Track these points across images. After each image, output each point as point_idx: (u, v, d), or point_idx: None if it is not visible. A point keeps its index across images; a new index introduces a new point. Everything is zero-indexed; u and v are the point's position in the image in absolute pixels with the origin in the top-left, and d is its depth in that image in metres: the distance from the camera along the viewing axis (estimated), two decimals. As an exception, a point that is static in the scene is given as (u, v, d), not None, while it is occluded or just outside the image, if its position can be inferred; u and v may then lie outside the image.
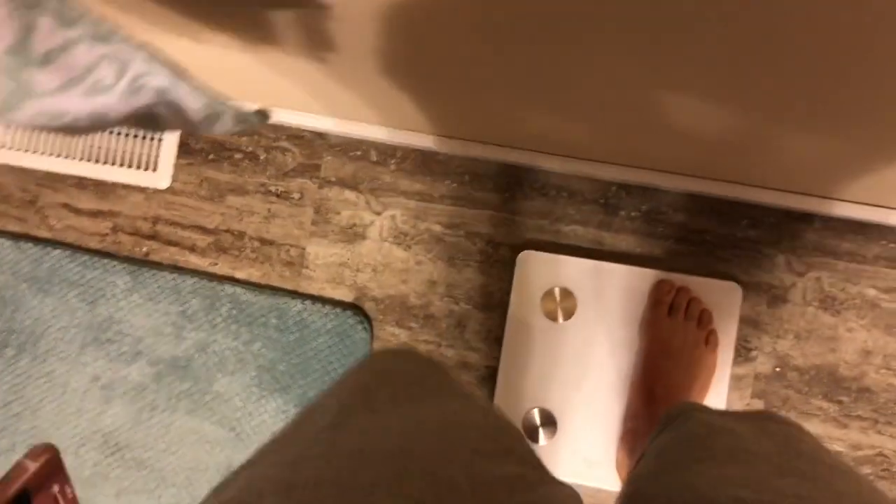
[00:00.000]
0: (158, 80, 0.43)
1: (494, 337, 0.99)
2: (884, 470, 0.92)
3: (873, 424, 0.93)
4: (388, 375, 0.47)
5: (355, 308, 1.01)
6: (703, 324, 0.91)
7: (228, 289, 1.03)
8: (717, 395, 0.92)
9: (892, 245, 0.93)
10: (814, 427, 0.93)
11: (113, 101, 0.41)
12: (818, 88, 0.51)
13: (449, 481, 0.34)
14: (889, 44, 0.40)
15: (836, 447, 0.93)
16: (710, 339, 0.91)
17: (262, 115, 0.54)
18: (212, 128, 0.48)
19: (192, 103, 0.45)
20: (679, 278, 0.95)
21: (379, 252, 1.01)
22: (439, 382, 0.48)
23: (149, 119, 0.45)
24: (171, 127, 0.47)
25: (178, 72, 0.44)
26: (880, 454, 0.92)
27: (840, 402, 0.93)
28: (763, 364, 0.95)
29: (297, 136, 1.03)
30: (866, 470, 0.92)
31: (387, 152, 1.01)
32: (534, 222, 0.99)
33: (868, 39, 0.40)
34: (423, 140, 0.98)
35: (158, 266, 1.04)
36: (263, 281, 1.03)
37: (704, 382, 0.89)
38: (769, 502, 0.38)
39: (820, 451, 0.45)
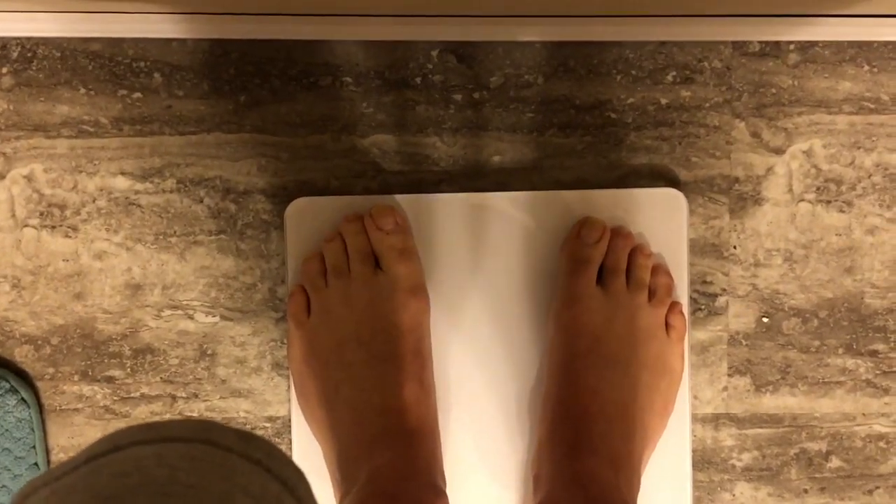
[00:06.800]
0: None
1: (271, 364, 0.54)
2: (955, 450, 0.55)
3: (929, 380, 0.55)
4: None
5: (-7, 364, 0.53)
6: (658, 294, 0.50)
7: None
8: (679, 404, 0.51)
9: (915, 72, 0.54)
10: (838, 404, 0.55)
11: None
12: None
13: None
14: None
15: (880, 429, 0.55)
16: (672, 321, 0.50)
17: None
18: None
19: None
20: (576, 195, 0.52)
21: (18, 248, 0.53)
22: None
23: None
24: None
25: None
26: (945, 425, 0.55)
27: (874, 354, 0.55)
28: (739, 314, 0.54)
29: None
30: (930, 457, 0.55)
31: (-8, 54, 0.52)
32: (301, 140, 0.53)
33: None
34: (56, 19, 0.51)
35: None
36: None
37: (667, 400, 0.48)
38: None
39: None
